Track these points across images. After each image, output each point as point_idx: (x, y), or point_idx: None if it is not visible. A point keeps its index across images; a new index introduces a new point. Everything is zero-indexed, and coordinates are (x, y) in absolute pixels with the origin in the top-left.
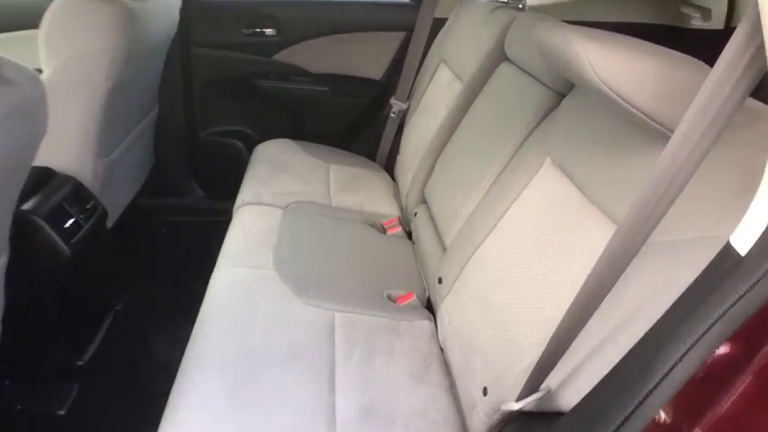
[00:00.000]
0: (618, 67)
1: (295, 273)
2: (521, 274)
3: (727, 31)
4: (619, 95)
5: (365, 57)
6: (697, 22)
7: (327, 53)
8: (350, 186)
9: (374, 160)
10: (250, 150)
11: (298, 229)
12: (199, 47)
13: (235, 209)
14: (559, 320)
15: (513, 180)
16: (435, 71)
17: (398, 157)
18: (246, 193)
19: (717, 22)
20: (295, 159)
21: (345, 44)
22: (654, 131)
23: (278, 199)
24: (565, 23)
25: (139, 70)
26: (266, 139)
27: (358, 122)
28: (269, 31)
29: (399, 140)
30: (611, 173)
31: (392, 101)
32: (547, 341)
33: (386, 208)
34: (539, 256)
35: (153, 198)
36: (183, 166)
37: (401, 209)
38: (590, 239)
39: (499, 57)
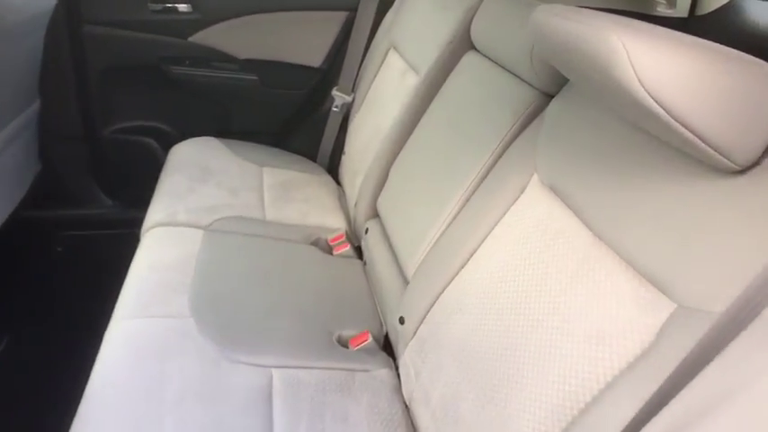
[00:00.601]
0: (673, 73)
1: (219, 320)
2: (513, 330)
3: (692, 19)
4: (671, 113)
5: (301, 40)
6: (662, 9)
7: (256, 35)
8: (287, 194)
9: (315, 161)
10: (167, 150)
11: (222, 258)
12: (92, 24)
13: (142, 231)
14: (575, 413)
15: (490, 201)
16: (384, 59)
17: (344, 157)
18: (157, 210)
19: (681, 10)
20: (220, 162)
21: (278, 25)
22: (704, 159)
23: (197, 216)
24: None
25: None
26: (185, 137)
27: (294, 117)
28: (182, 6)
29: (344, 138)
30: (624, 198)
31: (334, 92)
32: None
33: (331, 220)
34: (531, 308)
35: (44, 209)
36: (82, 170)
37: (349, 221)
38: (601, 291)
39: (463, 45)
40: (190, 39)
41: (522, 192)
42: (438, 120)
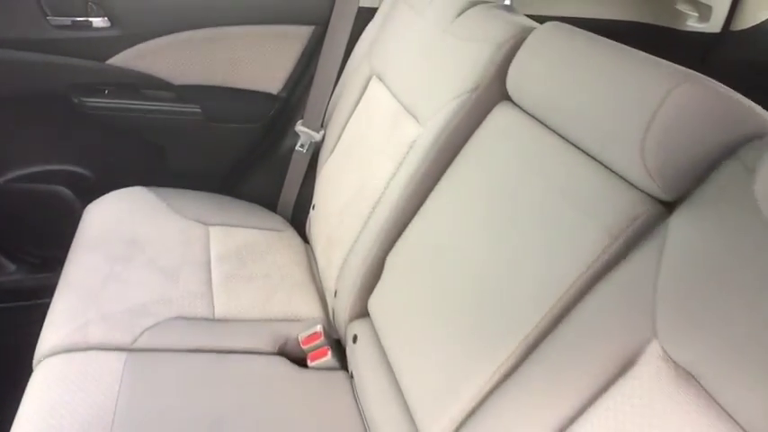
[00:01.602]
0: None
1: None
2: None
3: (724, 35)
4: None
5: (255, 61)
6: (693, 22)
7: (196, 55)
8: (243, 268)
9: (274, 210)
10: (83, 199)
11: (153, 404)
12: None
13: (34, 362)
14: None
15: (573, 368)
16: (364, 90)
17: (313, 212)
18: (57, 323)
19: (714, 25)
20: (152, 226)
21: (225, 43)
22: None
23: (117, 328)
24: None
25: None
26: (106, 184)
27: (247, 157)
28: (97, 20)
29: (311, 185)
30: None
31: (298, 127)
32: None
33: (301, 303)
34: None
35: None
36: None
37: (324, 306)
38: None
39: (493, 93)
40: (108, 61)
41: (630, 364)
42: (466, 202)
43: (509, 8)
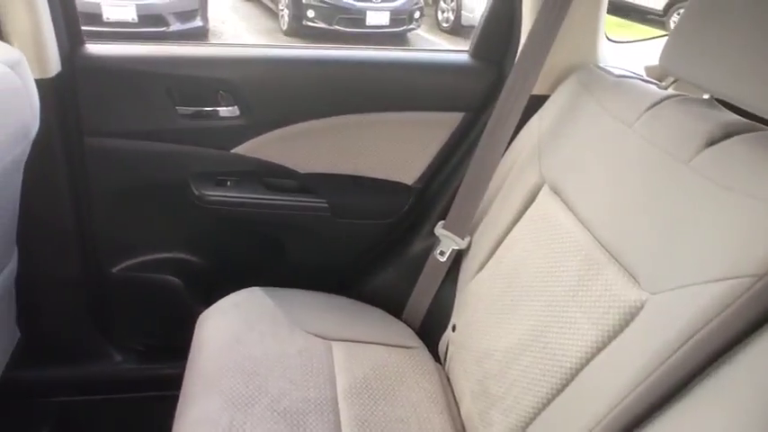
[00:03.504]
0: None
1: None
2: None
3: None
4: None
5: (391, 149)
6: None
7: (325, 142)
8: (375, 408)
9: (398, 315)
10: (194, 289)
11: None
12: (96, 137)
13: None
14: None
15: None
16: (532, 200)
17: (452, 334)
18: None
19: None
20: (271, 341)
21: (357, 129)
22: None
23: None
24: None
25: None
26: (223, 275)
27: (375, 255)
28: (226, 110)
29: (450, 302)
30: None
31: (439, 230)
32: None
33: None
34: None
35: (30, 368)
36: (80, 320)
37: None
38: None
39: None
40: (233, 150)
41: None
42: None
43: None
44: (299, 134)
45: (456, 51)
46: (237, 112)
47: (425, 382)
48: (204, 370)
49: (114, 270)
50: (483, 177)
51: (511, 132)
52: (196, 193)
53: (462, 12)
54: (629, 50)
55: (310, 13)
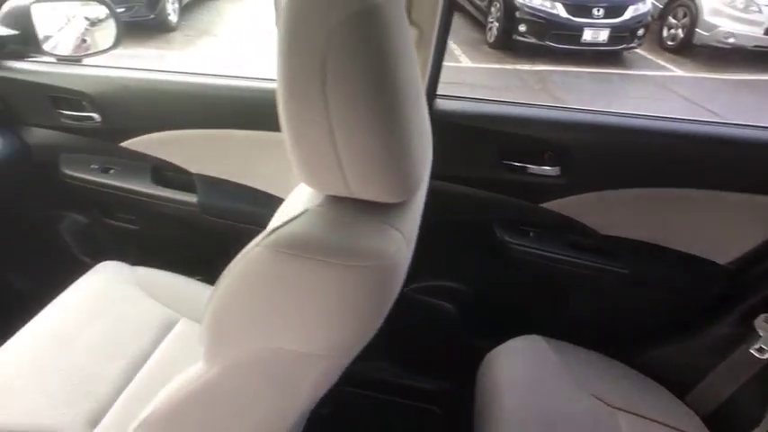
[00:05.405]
0: None
1: None
2: None
3: None
4: None
5: (707, 225)
6: None
7: (631, 209)
8: None
9: (681, 397)
10: (463, 318)
11: None
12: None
13: None
14: None
15: None
16: None
17: None
18: None
19: None
20: (558, 400)
21: (677, 202)
22: None
23: None
24: None
25: None
26: (497, 317)
27: (662, 330)
28: (549, 169)
29: (754, 396)
30: None
31: (760, 323)
32: None
33: None
34: None
35: None
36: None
37: None
38: None
39: None
40: (542, 204)
41: None
42: None
43: None
44: (616, 200)
45: None
46: (558, 172)
47: None
48: (500, 414)
49: (406, 290)
50: None
51: None
52: (499, 236)
53: (697, 29)
54: None
55: (522, 28)
